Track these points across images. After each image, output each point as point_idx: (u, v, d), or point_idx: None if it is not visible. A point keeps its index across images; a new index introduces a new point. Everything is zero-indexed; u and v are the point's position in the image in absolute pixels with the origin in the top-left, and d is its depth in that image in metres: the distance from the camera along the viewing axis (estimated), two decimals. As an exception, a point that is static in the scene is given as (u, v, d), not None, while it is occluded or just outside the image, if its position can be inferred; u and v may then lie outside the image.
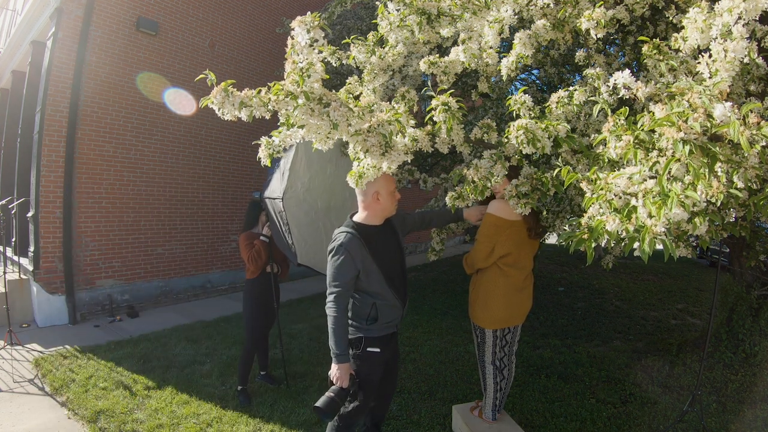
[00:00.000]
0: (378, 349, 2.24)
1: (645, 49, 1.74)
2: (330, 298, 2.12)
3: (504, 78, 2.12)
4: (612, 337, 5.23)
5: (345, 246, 2.11)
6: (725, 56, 1.25)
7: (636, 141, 1.26)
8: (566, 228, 2.71)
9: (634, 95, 1.55)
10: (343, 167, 3.73)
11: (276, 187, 3.36)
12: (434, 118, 1.86)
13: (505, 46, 3.83)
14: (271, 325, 3.81)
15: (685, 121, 1.11)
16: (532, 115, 1.87)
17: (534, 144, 1.72)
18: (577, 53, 2.22)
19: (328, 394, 2.10)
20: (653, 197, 1.16)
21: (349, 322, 2.25)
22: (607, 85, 1.65)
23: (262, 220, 3.68)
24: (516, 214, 2.37)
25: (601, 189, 1.31)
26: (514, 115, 1.91)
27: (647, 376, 3.96)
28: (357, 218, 2.27)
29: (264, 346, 3.82)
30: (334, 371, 2.14)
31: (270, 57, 7.99)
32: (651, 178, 1.22)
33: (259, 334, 3.63)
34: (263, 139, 1.82)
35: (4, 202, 5.59)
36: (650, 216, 1.15)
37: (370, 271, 2.17)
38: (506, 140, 1.83)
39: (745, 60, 1.31)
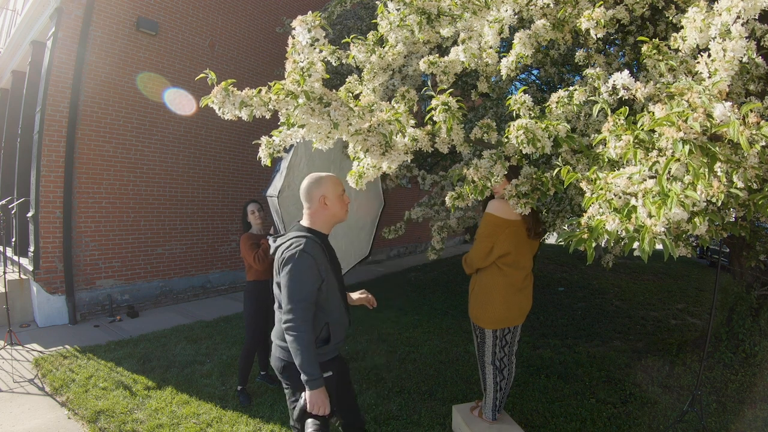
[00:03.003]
0: (331, 373, 1.98)
1: (644, 49, 1.74)
2: (293, 315, 1.80)
3: (504, 78, 2.12)
4: (612, 337, 5.23)
5: (308, 251, 1.83)
6: (724, 56, 1.25)
7: (636, 141, 1.26)
8: (566, 228, 2.71)
9: (633, 96, 1.55)
10: (347, 169, 3.75)
11: (274, 186, 3.36)
12: (434, 118, 1.86)
13: (505, 46, 3.84)
14: (272, 326, 3.80)
15: (685, 121, 1.11)
16: (532, 114, 1.87)
17: (534, 144, 1.72)
18: (577, 53, 2.22)
19: (312, 429, 1.81)
20: (653, 197, 1.16)
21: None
22: (607, 85, 1.65)
23: (255, 221, 3.66)
24: (515, 213, 2.37)
25: (601, 189, 1.31)
26: (514, 114, 1.91)
27: (647, 376, 3.96)
28: (306, 225, 2.02)
29: (265, 346, 3.82)
30: (311, 400, 1.82)
31: (270, 57, 7.99)
32: (651, 177, 1.22)
33: (260, 334, 3.63)
34: (263, 139, 1.83)
35: (4, 202, 5.60)
36: (650, 216, 1.15)
37: (330, 281, 1.93)
38: (506, 140, 1.83)
39: (745, 59, 1.31)
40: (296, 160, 3.30)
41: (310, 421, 1.83)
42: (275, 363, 2.01)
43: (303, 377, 1.81)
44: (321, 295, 1.90)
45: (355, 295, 2.39)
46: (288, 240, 1.92)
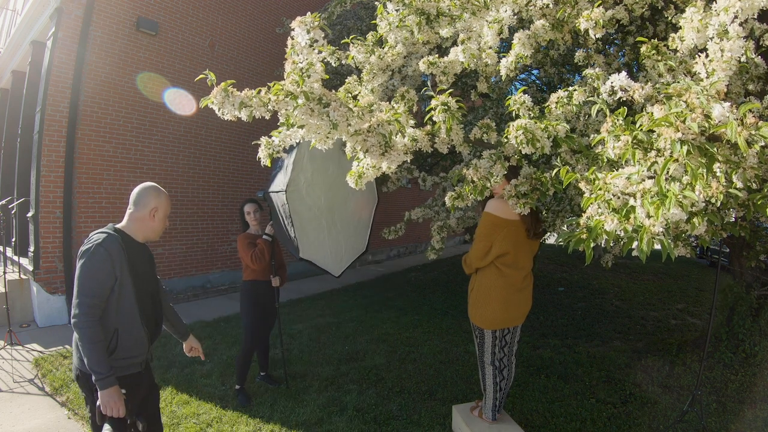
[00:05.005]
0: (123, 391, 1.83)
1: (643, 49, 1.75)
2: (80, 310, 1.74)
3: (503, 78, 2.12)
4: (612, 337, 5.23)
5: (105, 246, 1.81)
6: (722, 56, 1.25)
7: (634, 141, 1.26)
8: (565, 228, 2.71)
9: (631, 97, 1.55)
10: (346, 167, 3.77)
11: (280, 181, 3.37)
12: (434, 118, 1.86)
13: (505, 47, 3.84)
14: (271, 327, 3.79)
15: (683, 122, 1.11)
16: (532, 115, 1.87)
17: (533, 144, 1.72)
18: (576, 53, 2.22)
19: None
20: (651, 197, 1.16)
21: (79, 353, 1.86)
22: (606, 86, 1.65)
23: (252, 221, 3.64)
24: (514, 213, 2.38)
25: (600, 189, 1.32)
26: (514, 115, 1.91)
27: (647, 376, 3.96)
28: (119, 226, 1.99)
29: (264, 346, 3.82)
30: (102, 400, 1.74)
31: (270, 57, 7.99)
32: (649, 178, 1.22)
33: (258, 335, 3.61)
34: (263, 139, 1.83)
35: (4, 202, 5.59)
36: (648, 216, 1.16)
37: (124, 284, 1.86)
38: (506, 140, 1.83)
39: (743, 59, 1.31)
40: (299, 156, 3.31)
41: (106, 426, 1.76)
42: (73, 371, 1.95)
43: (93, 377, 1.75)
44: (113, 296, 1.84)
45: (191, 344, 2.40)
46: (92, 234, 1.89)
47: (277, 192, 3.35)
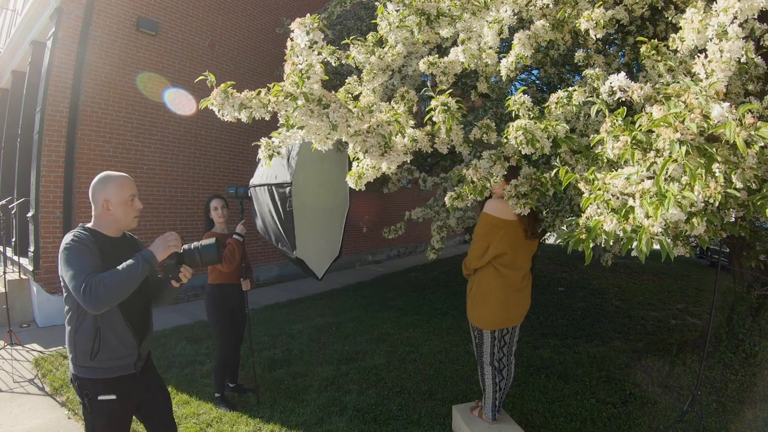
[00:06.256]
0: (113, 396, 1.76)
1: (643, 49, 1.75)
2: (85, 286, 1.65)
3: (503, 78, 2.12)
4: (612, 337, 5.24)
5: (78, 239, 1.80)
6: (721, 56, 1.25)
7: (633, 141, 1.26)
8: (565, 228, 2.72)
9: (630, 98, 1.55)
10: (337, 162, 3.75)
11: (279, 173, 3.22)
12: (434, 119, 1.86)
13: (505, 47, 3.84)
14: (241, 336, 3.59)
15: (682, 122, 1.11)
16: (532, 115, 1.87)
17: (533, 144, 1.73)
18: (576, 53, 2.23)
19: (189, 249, 1.89)
20: (650, 197, 1.17)
21: (71, 356, 1.81)
22: (606, 86, 1.65)
23: (218, 219, 3.48)
24: (511, 213, 2.38)
25: (599, 189, 1.32)
26: (514, 115, 1.91)
27: (647, 376, 3.96)
28: (88, 225, 1.94)
29: (235, 357, 3.62)
30: (158, 252, 1.81)
31: (270, 57, 8.00)
32: (648, 178, 1.22)
33: (230, 341, 3.48)
34: (263, 140, 1.83)
35: (4, 202, 5.60)
36: (647, 216, 1.16)
37: None
38: (505, 140, 1.83)
39: (743, 59, 1.31)
40: (304, 148, 3.20)
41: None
42: (69, 375, 1.88)
43: (145, 267, 1.74)
44: None
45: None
46: (64, 237, 1.87)
47: (275, 185, 3.23)
